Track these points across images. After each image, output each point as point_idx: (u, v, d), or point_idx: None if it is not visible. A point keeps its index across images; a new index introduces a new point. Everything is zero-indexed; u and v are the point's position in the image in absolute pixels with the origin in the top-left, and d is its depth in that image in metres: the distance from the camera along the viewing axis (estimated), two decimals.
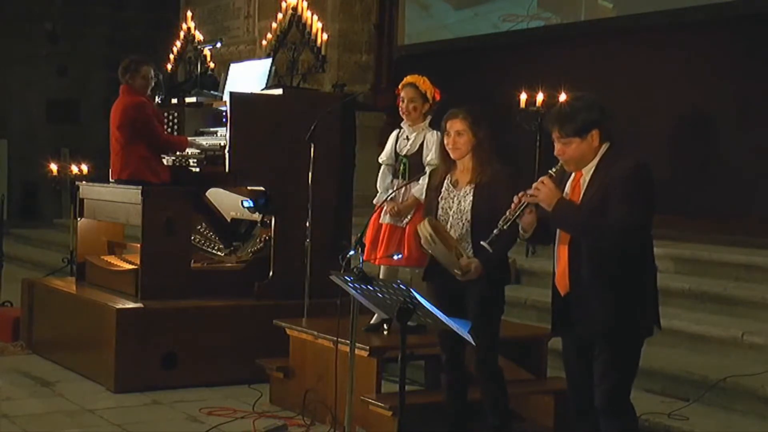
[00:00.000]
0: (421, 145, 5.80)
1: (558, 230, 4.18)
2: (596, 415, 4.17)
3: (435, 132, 5.76)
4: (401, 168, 5.88)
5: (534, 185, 4.11)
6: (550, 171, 4.14)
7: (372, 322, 5.78)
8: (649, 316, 4.13)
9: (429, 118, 5.85)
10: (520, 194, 4.18)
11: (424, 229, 4.75)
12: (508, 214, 4.20)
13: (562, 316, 4.21)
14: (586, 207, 4.05)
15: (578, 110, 4.09)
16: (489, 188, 4.80)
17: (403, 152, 5.88)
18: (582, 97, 4.18)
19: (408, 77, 5.93)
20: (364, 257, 5.60)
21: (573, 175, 4.17)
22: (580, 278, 4.08)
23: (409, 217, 5.76)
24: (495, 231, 4.23)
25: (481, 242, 4.31)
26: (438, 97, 5.84)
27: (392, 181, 5.96)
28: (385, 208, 5.81)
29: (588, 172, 4.11)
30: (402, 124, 5.94)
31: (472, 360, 5.00)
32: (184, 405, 6.21)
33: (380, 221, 5.85)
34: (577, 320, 4.13)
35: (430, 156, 5.72)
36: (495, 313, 4.94)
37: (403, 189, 5.80)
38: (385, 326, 5.78)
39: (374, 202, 6.06)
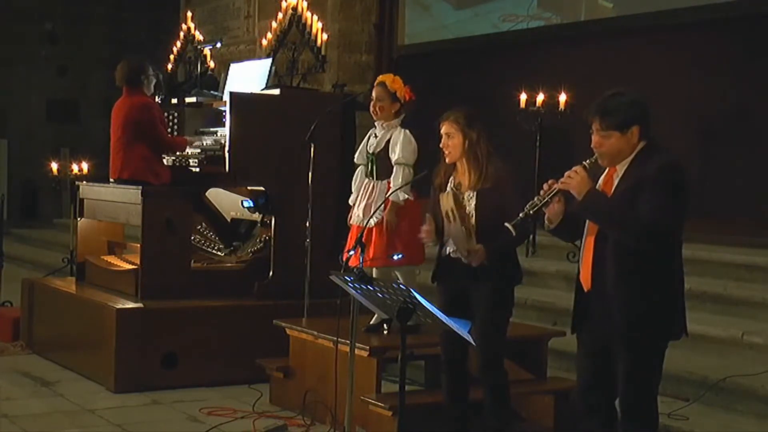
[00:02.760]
0: (388, 142, 5.81)
1: (587, 225, 4.11)
2: (605, 417, 4.15)
3: (404, 130, 5.79)
4: (369, 166, 5.90)
5: (566, 173, 4.04)
6: (584, 162, 4.06)
7: (372, 322, 5.78)
8: (675, 321, 4.05)
9: (401, 117, 5.85)
10: (550, 181, 4.13)
11: (446, 203, 4.74)
12: (536, 199, 4.13)
13: (584, 313, 4.14)
14: (617, 201, 4.00)
15: (622, 104, 4.03)
16: (493, 191, 4.80)
17: (371, 150, 5.90)
18: (626, 92, 4.11)
19: (380, 76, 5.96)
20: (351, 263, 5.58)
21: (606, 170, 4.11)
22: (604, 275, 4.01)
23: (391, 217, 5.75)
24: (520, 214, 4.17)
25: (506, 223, 4.24)
26: (408, 97, 5.82)
27: (363, 181, 5.97)
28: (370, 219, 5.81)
29: (622, 168, 4.05)
30: (375, 123, 5.95)
31: (475, 361, 5.00)
32: (184, 405, 6.21)
33: (351, 222, 5.89)
34: (598, 318, 4.06)
35: (398, 154, 5.74)
36: (502, 316, 4.94)
37: (371, 188, 5.84)
38: (385, 326, 5.78)
39: (349, 202, 6.08)
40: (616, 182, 4.06)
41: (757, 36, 8.24)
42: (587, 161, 4.07)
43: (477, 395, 5.01)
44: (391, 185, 5.72)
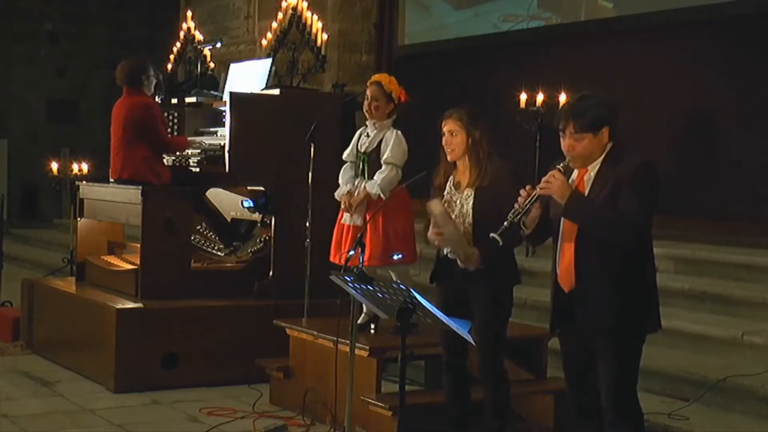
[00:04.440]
0: (380, 142, 5.80)
1: (561, 226, 4.16)
2: (598, 414, 4.17)
3: (396, 131, 5.80)
4: (361, 165, 5.89)
5: (544, 178, 4.10)
6: (558, 166, 4.13)
7: (359, 321, 5.75)
8: (653, 314, 4.14)
9: (393, 117, 5.84)
10: (528, 187, 4.18)
11: (437, 207, 4.73)
12: (517, 206, 4.18)
13: (565, 313, 4.19)
14: (599, 202, 4.05)
15: (592, 106, 4.11)
16: (491, 190, 4.80)
17: (362, 149, 5.89)
18: (594, 94, 4.20)
19: (375, 75, 5.96)
20: (331, 257, 5.69)
21: (577, 172, 4.17)
22: (588, 273, 4.06)
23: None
24: (505, 223, 4.21)
25: (491, 234, 4.27)
26: (404, 99, 5.82)
27: (353, 178, 5.95)
28: (342, 205, 5.87)
29: (593, 169, 4.12)
30: (367, 122, 5.93)
31: (475, 361, 5.00)
32: (184, 405, 6.22)
33: (341, 221, 5.88)
34: (582, 316, 4.11)
35: (387, 153, 5.73)
36: (501, 315, 4.93)
37: (362, 188, 5.82)
38: (372, 326, 5.80)
39: (335, 196, 6.07)
40: (588, 184, 4.12)
41: (757, 36, 8.24)
42: (560, 165, 4.14)
43: (477, 395, 5.01)
44: (375, 178, 5.72)
